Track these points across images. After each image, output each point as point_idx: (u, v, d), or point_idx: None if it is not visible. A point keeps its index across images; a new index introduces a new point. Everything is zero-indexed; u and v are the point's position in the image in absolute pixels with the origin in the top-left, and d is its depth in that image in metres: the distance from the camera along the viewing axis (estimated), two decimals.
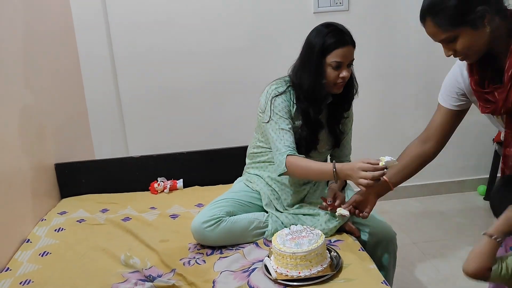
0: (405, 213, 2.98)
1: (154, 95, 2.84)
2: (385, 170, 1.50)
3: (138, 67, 2.78)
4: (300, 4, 2.80)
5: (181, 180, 2.35)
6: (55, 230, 1.97)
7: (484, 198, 3.09)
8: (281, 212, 1.82)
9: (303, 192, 1.89)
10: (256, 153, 1.95)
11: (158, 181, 2.34)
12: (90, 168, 2.35)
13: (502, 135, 2.78)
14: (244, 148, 2.15)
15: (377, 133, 3.03)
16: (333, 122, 1.86)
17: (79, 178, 2.33)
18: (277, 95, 1.76)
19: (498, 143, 2.86)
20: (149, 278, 1.55)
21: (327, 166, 1.64)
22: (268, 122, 1.76)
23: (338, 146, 1.91)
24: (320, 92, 1.73)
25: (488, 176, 3.07)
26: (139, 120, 2.87)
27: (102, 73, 2.76)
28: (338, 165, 1.60)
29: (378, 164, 1.50)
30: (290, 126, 1.75)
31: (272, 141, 1.76)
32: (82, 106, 2.76)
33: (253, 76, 2.81)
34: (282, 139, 1.72)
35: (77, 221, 2.05)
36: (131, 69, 2.78)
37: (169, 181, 2.33)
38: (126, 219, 2.04)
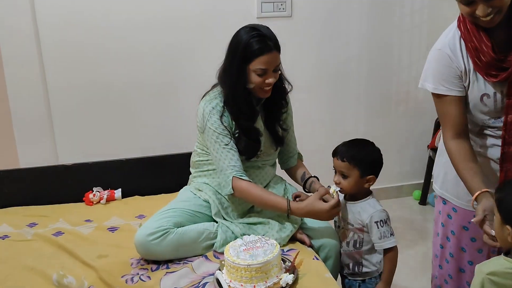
0: None
1: (86, 97, 2.62)
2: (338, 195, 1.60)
3: (69, 65, 2.56)
4: (243, 9, 2.75)
5: (119, 189, 2.19)
6: None
7: (419, 203, 3.20)
8: (231, 221, 1.73)
9: None
10: (201, 161, 1.87)
11: (93, 191, 2.16)
12: (15, 177, 2.13)
13: (437, 140, 2.90)
14: (187, 155, 2.05)
15: (321, 137, 3.03)
16: (272, 123, 1.82)
17: (1, 189, 2.09)
18: (211, 112, 1.70)
19: (432, 149, 2.98)
20: None
21: (281, 203, 1.64)
22: (208, 141, 1.72)
23: (283, 144, 1.88)
24: (242, 97, 1.69)
25: (423, 181, 3.19)
26: (70, 125, 2.63)
27: (27, 71, 2.49)
28: (293, 204, 1.64)
29: (329, 192, 1.61)
30: (231, 141, 1.70)
31: (215, 160, 1.72)
32: (4, 107, 2.49)
33: (193, 78, 2.71)
34: (226, 158, 1.68)
35: (0, 237, 1.83)
36: (61, 68, 2.55)
37: (106, 191, 2.16)
38: (58, 233, 1.85)
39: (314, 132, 3.00)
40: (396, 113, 3.14)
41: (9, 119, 2.52)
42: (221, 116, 1.70)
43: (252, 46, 1.62)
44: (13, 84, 2.50)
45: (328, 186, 1.62)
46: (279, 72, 1.73)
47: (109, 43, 2.59)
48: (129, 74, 2.65)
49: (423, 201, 3.19)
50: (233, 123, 1.73)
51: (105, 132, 2.69)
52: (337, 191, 1.59)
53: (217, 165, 1.71)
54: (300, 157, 1.98)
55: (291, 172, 1.97)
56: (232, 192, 1.67)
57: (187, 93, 2.70)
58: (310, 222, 1.76)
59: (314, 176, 1.89)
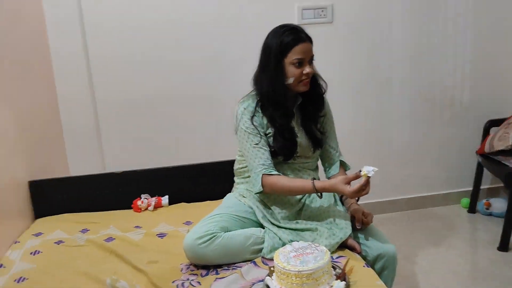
0: (391, 227, 2.94)
1: (134, 107, 2.70)
2: (368, 177, 1.54)
3: (117, 77, 2.65)
4: (284, 16, 2.75)
5: (167, 196, 2.22)
6: (31, 253, 1.80)
7: (468, 211, 3.09)
8: (278, 227, 1.72)
9: (299, 205, 1.79)
10: (242, 168, 1.89)
11: (141, 198, 2.20)
12: (67, 186, 2.19)
13: (487, 145, 2.80)
14: (231, 162, 2.06)
15: (362, 143, 2.99)
16: (309, 124, 1.81)
17: (55, 196, 2.17)
18: (243, 113, 1.75)
19: (481, 155, 2.88)
20: None
21: (306, 185, 1.65)
22: (240, 141, 1.76)
23: (321, 147, 1.86)
24: (281, 93, 1.70)
25: (471, 188, 3.08)
26: (117, 134, 2.72)
27: (77, 84, 2.60)
28: (317, 182, 1.64)
29: (359, 175, 1.56)
30: (262, 140, 1.72)
31: (247, 160, 1.75)
32: (56, 119, 2.59)
33: (235, 89, 2.72)
34: (256, 157, 1.71)
35: (55, 242, 1.89)
36: (109, 80, 2.64)
37: (153, 198, 2.20)
38: (109, 239, 1.89)
39: (357, 140, 2.96)
40: (441, 119, 3.06)
41: (60, 132, 2.63)
42: (252, 116, 1.73)
43: (285, 39, 1.67)
44: (64, 97, 2.62)
45: (359, 171, 1.56)
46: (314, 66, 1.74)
47: (153, 57, 2.66)
48: (172, 86, 2.72)
49: (472, 209, 3.07)
50: (266, 123, 1.74)
51: (149, 142, 2.76)
52: (368, 175, 1.54)
53: (248, 165, 1.75)
54: (344, 165, 1.91)
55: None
56: (262, 189, 1.69)
57: (230, 103, 2.73)
58: (366, 232, 1.73)
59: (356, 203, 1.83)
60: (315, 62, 1.75)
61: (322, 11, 2.79)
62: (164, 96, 2.72)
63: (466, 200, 3.14)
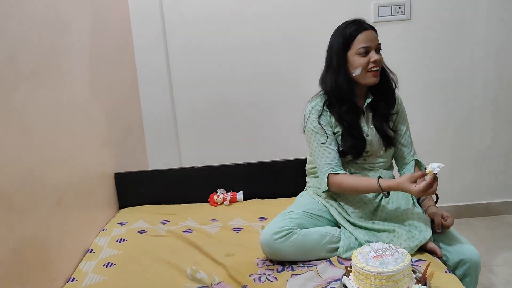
0: (471, 234, 2.80)
1: (208, 110, 2.80)
2: (435, 174, 1.48)
3: (194, 82, 2.76)
4: (360, 13, 2.71)
5: (241, 192, 2.28)
6: (117, 241, 1.93)
7: None
8: (354, 225, 1.71)
9: (372, 205, 1.76)
10: (312, 168, 1.91)
11: (217, 192, 2.28)
12: (149, 178, 2.32)
13: None
14: (302, 161, 2.08)
15: (439, 146, 2.87)
16: (380, 121, 1.77)
17: (137, 188, 2.30)
18: (311, 112, 1.75)
19: None
20: None
21: (372, 184, 1.63)
22: (308, 140, 1.78)
23: (393, 145, 1.81)
24: (345, 88, 1.69)
25: None
26: (192, 134, 2.84)
27: (157, 87, 2.76)
28: (383, 182, 1.60)
29: (426, 174, 1.50)
30: (329, 139, 1.72)
31: (314, 159, 1.76)
32: (138, 116, 2.75)
33: (303, 91, 2.73)
34: (323, 156, 1.71)
35: (138, 232, 2.01)
36: (186, 84, 2.77)
37: (228, 193, 2.27)
38: (188, 231, 1.98)
39: (436, 143, 2.84)
40: None
41: (141, 128, 2.79)
42: (319, 116, 1.74)
43: (348, 31, 1.67)
44: (145, 95, 2.77)
45: (425, 168, 1.51)
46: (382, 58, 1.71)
47: (229, 64, 2.75)
48: (247, 86, 2.79)
49: None
50: (333, 121, 1.74)
51: (223, 139, 2.84)
52: (434, 172, 1.47)
53: (316, 164, 1.76)
54: (419, 165, 1.86)
55: None
56: (327, 188, 1.70)
57: (299, 106, 2.75)
58: (446, 236, 1.67)
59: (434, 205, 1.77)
60: (386, 59, 1.72)
61: (400, 7, 2.71)
62: (237, 99, 2.80)
63: None
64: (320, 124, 1.73)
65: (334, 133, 1.75)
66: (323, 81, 1.78)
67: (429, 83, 2.80)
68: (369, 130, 1.76)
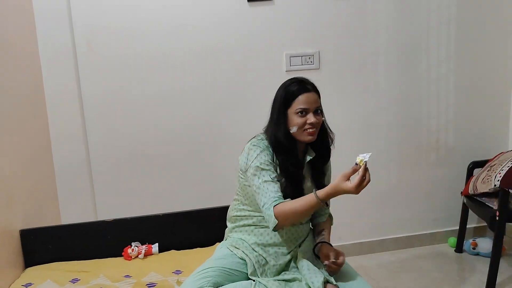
0: (381, 267, 2.97)
1: (126, 156, 2.76)
2: (365, 164, 1.54)
3: (109, 125, 2.72)
4: (273, 63, 2.86)
5: (157, 244, 2.24)
6: None
7: (455, 250, 3.13)
8: (267, 279, 1.74)
9: (291, 254, 1.82)
10: (239, 216, 1.89)
11: (132, 246, 2.22)
12: (58, 234, 2.21)
13: (470, 187, 2.87)
14: (222, 209, 2.10)
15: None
16: (317, 175, 1.86)
17: (46, 245, 2.18)
18: (254, 147, 1.76)
19: (466, 196, 2.94)
20: None
21: (311, 198, 1.63)
22: (250, 178, 1.73)
23: None
24: (285, 141, 1.74)
25: (457, 228, 3.13)
26: (108, 182, 2.77)
27: (70, 132, 2.67)
28: (319, 192, 1.61)
29: (357, 168, 1.54)
30: (273, 175, 1.72)
31: (258, 197, 1.72)
32: (50, 167, 2.64)
33: (225, 133, 2.82)
34: (267, 192, 1.69)
35: None
36: (101, 128, 2.72)
37: (143, 246, 2.22)
38: None
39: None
40: (427, 161, 3.14)
41: (53, 180, 2.67)
42: (262, 151, 1.75)
43: (290, 89, 1.74)
44: (57, 149, 2.67)
45: (356, 164, 1.56)
46: (322, 118, 1.78)
47: (145, 113, 2.75)
48: (161, 133, 2.78)
49: (459, 248, 3.12)
50: (277, 164, 1.76)
51: (140, 189, 2.80)
52: (365, 160, 1.52)
53: (260, 202, 1.70)
54: (330, 217, 1.96)
55: (314, 227, 1.96)
56: (277, 221, 1.64)
57: (223, 150, 2.81)
58: (345, 276, 1.74)
59: (328, 243, 1.84)
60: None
61: (309, 57, 2.90)
62: (156, 143, 2.78)
63: (453, 240, 3.18)
64: (264, 158, 1.73)
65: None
66: (266, 131, 1.82)
67: (340, 128, 2.91)
68: (307, 183, 1.82)
